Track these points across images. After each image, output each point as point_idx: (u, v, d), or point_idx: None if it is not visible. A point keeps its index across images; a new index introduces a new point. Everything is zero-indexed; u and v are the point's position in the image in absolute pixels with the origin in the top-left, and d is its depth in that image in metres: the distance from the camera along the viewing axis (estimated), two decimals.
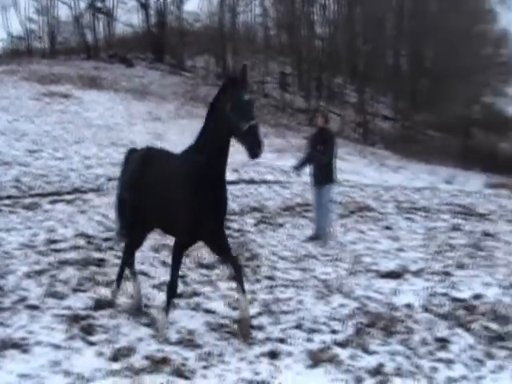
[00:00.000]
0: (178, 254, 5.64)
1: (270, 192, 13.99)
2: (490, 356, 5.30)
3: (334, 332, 5.77)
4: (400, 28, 40.46)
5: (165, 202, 5.68)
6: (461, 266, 8.30)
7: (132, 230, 6.32)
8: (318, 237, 9.58)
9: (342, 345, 5.44)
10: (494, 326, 6.07)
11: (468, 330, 5.93)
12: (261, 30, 41.59)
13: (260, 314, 6.23)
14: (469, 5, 42.81)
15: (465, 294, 7.08)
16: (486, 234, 10.52)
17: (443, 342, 5.58)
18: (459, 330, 5.91)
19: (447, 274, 7.92)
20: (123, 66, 34.51)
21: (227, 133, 5.20)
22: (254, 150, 5.02)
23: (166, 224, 6.00)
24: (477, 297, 7.01)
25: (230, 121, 5.09)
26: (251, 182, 15.62)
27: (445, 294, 7.07)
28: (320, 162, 9.62)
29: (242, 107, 5.11)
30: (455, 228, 10.88)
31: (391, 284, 7.37)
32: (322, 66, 37.47)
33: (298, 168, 10.00)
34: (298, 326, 5.90)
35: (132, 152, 6.57)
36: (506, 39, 45.65)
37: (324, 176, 9.59)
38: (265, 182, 15.81)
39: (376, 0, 38.30)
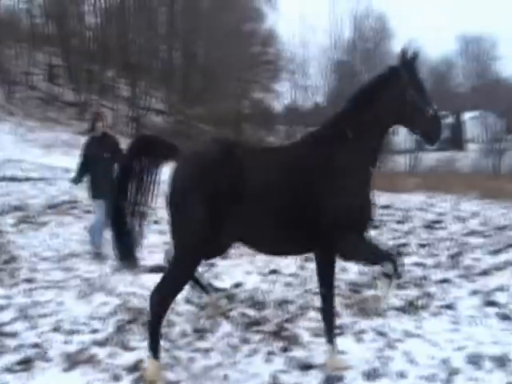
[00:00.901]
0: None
1: (34, 190, 13.30)
2: (246, 341, 5.51)
3: (93, 332, 5.61)
4: (172, 23, 40.87)
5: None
6: (225, 257, 8.57)
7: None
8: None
9: (101, 344, 5.30)
10: (251, 312, 6.35)
11: (227, 318, 6.13)
12: (26, 18, 39.20)
13: (15, 319, 5.85)
14: (239, 3, 44.56)
15: (226, 284, 7.33)
16: None
17: (202, 333, 5.70)
18: (219, 319, 6.08)
19: (212, 265, 8.12)
20: None
21: (406, 119, 4.82)
22: (438, 135, 4.81)
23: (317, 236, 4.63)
24: (237, 285, 7.30)
25: (415, 106, 4.71)
26: (13, 179, 14.69)
27: (208, 285, 7.24)
28: (109, 171, 8.46)
29: (424, 91, 4.80)
30: None
31: (156, 278, 7.32)
32: (92, 58, 36.49)
33: (78, 179, 8.93)
34: (56, 329, 5.64)
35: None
36: (273, 38, 48.45)
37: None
38: (29, 179, 14.98)
39: None
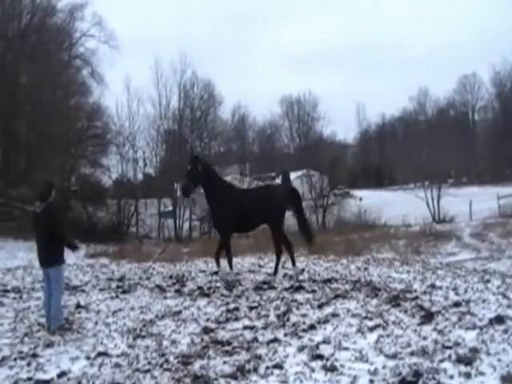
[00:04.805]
0: None
1: None
2: None
3: None
4: None
5: None
6: (49, 345, 8.12)
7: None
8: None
9: None
10: None
11: None
12: None
13: None
14: (62, 78, 43.58)
15: (50, 374, 6.87)
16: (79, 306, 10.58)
17: None
18: None
19: (35, 355, 7.63)
20: None
21: None
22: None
23: None
24: (62, 374, 6.86)
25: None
26: None
27: (29, 379, 6.75)
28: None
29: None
30: None
31: None
32: None
33: None
34: None
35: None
36: (99, 112, 48.04)
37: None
38: None
39: None
